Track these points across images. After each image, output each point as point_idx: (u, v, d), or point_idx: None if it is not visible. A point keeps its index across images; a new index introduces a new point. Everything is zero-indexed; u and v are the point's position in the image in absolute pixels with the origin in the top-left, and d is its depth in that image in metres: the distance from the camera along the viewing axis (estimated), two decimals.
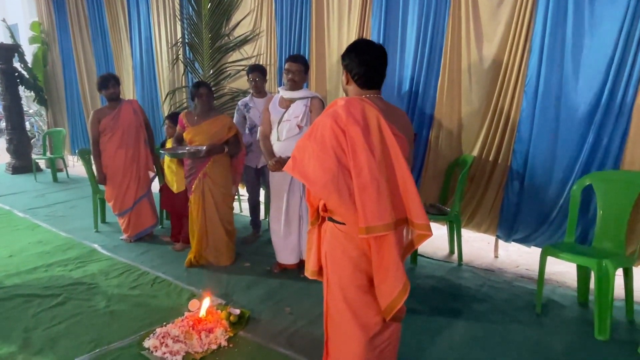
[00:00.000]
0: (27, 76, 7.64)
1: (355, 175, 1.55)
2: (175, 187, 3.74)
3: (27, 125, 8.32)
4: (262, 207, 4.23)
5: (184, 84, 5.47)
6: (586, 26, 2.77)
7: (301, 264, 3.24)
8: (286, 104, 3.08)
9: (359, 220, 1.55)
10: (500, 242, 3.52)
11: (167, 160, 3.77)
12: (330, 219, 1.72)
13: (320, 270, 1.85)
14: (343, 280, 1.70)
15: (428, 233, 1.63)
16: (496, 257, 3.65)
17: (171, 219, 4.02)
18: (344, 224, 1.66)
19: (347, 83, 1.73)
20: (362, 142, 1.55)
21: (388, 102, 1.77)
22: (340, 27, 3.99)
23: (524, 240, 3.27)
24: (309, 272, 1.90)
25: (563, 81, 2.90)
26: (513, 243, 3.38)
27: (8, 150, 7.52)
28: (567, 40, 2.85)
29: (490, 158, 3.27)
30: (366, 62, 1.67)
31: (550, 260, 2.64)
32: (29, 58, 7.73)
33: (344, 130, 1.56)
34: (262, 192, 4.14)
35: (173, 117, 3.83)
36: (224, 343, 2.37)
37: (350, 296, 1.69)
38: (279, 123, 3.06)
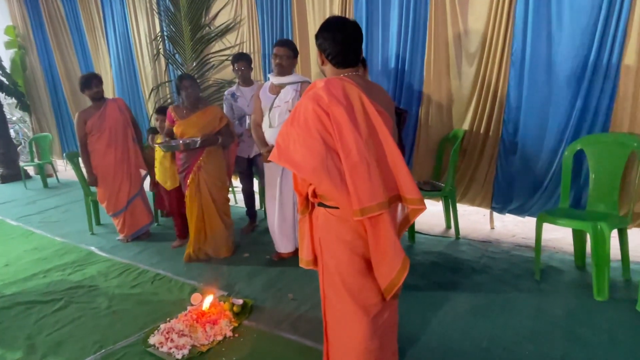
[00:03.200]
0: (7, 82, 7.48)
1: (344, 156, 1.51)
2: (169, 184, 3.69)
3: (12, 132, 8.18)
4: (256, 197, 4.21)
5: (167, 79, 5.39)
6: None
7: (297, 252, 3.23)
8: (276, 90, 3.04)
9: (352, 202, 1.51)
10: (496, 213, 3.54)
11: (158, 157, 3.71)
12: (322, 205, 1.67)
13: (315, 260, 1.80)
14: (340, 265, 1.66)
15: (422, 207, 1.61)
16: (492, 228, 3.68)
17: (174, 218, 3.88)
18: (336, 208, 1.61)
19: (323, 64, 1.68)
20: (347, 122, 1.51)
21: (367, 79, 1.73)
22: (323, 9, 3.93)
23: (518, 211, 3.29)
24: (304, 262, 1.84)
25: (548, 47, 2.90)
26: (507, 214, 3.40)
27: None
28: (550, 4, 2.83)
29: (482, 130, 3.27)
30: (340, 40, 1.61)
31: (546, 227, 2.66)
32: (6, 64, 7.56)
33: (327, 112, 1.51)
34: (255, 182, 4.12)
35: (162, 111, 3.77)
36: (229, 333, 2.38)
37: (348, 280, 1.65)
38: (270, 110, 3.03)
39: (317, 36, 1.66)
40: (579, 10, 2.73)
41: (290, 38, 4.13)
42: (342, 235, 1.64)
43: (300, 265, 1.87)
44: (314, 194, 1.67)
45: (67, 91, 6.99)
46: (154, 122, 4.12)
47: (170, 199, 3.75)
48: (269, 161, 2.93)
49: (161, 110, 3.82)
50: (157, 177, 3.78)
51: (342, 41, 1.61)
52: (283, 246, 3.26)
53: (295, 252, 3.28)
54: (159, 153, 3.69)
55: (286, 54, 2.95)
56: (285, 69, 2.97)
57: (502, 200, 3.33)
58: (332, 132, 1.52)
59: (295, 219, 3.16)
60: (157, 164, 3.78)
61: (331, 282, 1.71)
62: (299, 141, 1.54)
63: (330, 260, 1.69)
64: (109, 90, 6.11)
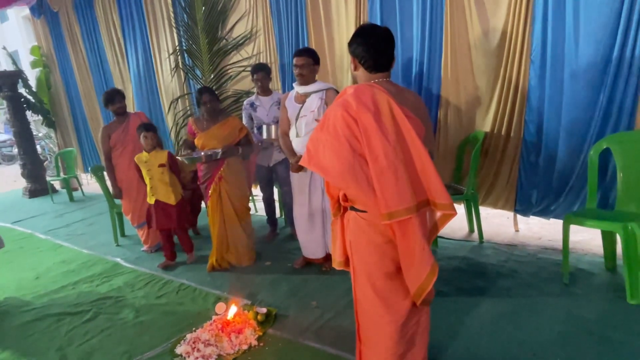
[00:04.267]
0: (33, 100, 7.75)
1: (372, 161, 1.54)
2: (173, 199, 3.49)
3: (38, 148, 8.46)
4: (277, 205, 4.23)
5: (186, 91, 5.49)
6: None
7: (328, 258, 3.23)
8: (302, 99, 3.03)
9: (380, 206, 1.54)
10: (520, 215, 3.47)
11: (157, 174, 3.46)
12: (352, 208, 1.71)
13: (346, 261, 1.84)
14: (370, 268, 1.70)
15: (452, 212, 1.62)
16: (517, 231, 3.61)
17: (162, 239, 3.66)
18: (365, 212, 1.66)
19: (356, 69, 1.73)
20: (375, 128, 1.54)
21: (398, 85, 1.75)
22: (338, 17, 3.95)
23: (543, 213, 3.22)
24: (336, 262, 1.89)
25: (569, 44, 2.84)
26: (532, 216, 3.33)
27: (23, 175, 7.66)
28: (569, 3, 2.78)
29: (503, 132, 3.22)
30: (372, 45, 1.65)
31: (573, 228, 2.60)
32: (32, 82, 7.84)
33: (356, 119, 1.55)
34: (275, 190, 4.14)
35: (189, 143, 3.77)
36: (254, 342, 2.39)
37: (378, 283, 1.69)
38: (296, 119, 3.02)
39: (350, 43, 1.71)
40: (599, 5, 2.67)
41: (307, 46, 4.16)
42: (373, 239, 1.68)
43: (333, 265, 1.91)
44: (345, 198, 1.71)
45: (86, 108, 7.19)
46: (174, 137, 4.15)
47: (175, 214, 3.51)
48: (298, 171, 3.00)
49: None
50: (159, 197, 3.48)
51: (374, 46, 1.65)
52: (311, 252, 3.27)
53: (324, 258, 3.26)
54: (153, 172, 3.46)
55: (306, 62, 2.93)
56: (307, 78, 2.95)
57: (526, 202, 3.26)
58: (360, 138, 1.55)
59: (324, 226, 3.17)
60: (156, 182, 3.48)
61: (361, 285, 1.74)
62: (327, 146, 1.58)
63: (360, 263, 1.72)
64: (130, 104, 6.25)
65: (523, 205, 3.29)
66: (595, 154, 2.69)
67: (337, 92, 3.06)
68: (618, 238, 2.50)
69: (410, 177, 1.57)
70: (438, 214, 1.70)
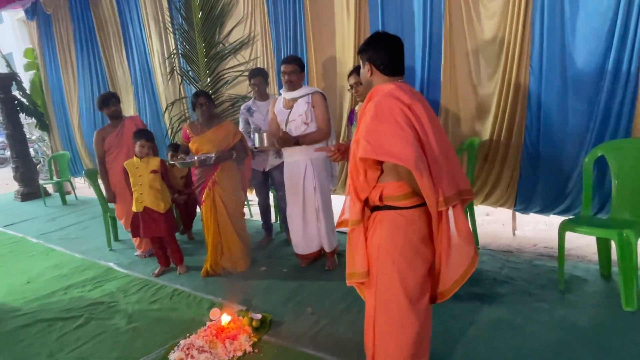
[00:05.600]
0: (27, 103, 7.70)
1: (428, 149, 1.59)
2: (162, 207, 3.43)
3: (31, 151, 8.39)
4: (272, 210, 4.21)
5: (182, 95, 5.47)
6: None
7: (322, 252, 3.37)
8: (289, 104, 3.16)
9: (436, 193, 1.58)
10: (516, 222, 3.49)
11: (148, 181, 3.40)
12: (388, 207, 1.70)
13: (369, 271, 1.77)
14: (403, 268, 1.68)
15: (473, 196, 1.76)
16: (515, 230, 3.64)
17: (154, 246, 3.60)
18: (405, 208, 1.67)
19: (371, 74, 1.76)
20: (426, 117, 1.60)
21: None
22: (339, 25, 3.96)
23: (542, 211, 3.26)
24: (357, 275, 1.76)
25: (567, 54, 2.87)
26: (528, 222, 3.34)
27: (15, 178, 7.58)
28: (566, 8, 2.81)
29: (503, 138, 3.23)
30: (389, 50, 1.72)
31: (568, 235, 2.60)
32: (26, 85, 7.79)
33: (410, 108, 1.60)
34: (271, 195, 4.12)
35: (175, 146, 3.78)
36: (248, 349, 2.36)
37: (409, 283, 1.69)
38: (286, 124, 3.16)
39: (364, 50, 1.76)
40: (595, 15, 2.70)
41: (304, 53, 4.17)
42: (410, 236, 1.69)
43: (350, 281, 1.80)
44: (380, 198, 1.70)
45: (70, 113, 7.15)
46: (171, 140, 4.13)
47: (164, 222, 3.45)
48: (284, 145, 3.09)
49: (174, 147, 3.83)
50: (146, 203, 3.41)
51: (391, 51, 1.73)
52: (305, 247, 3.33)
53: (318, 252, 3.37)
54: (144, 178, 3.41)
55: (294, 69, 3.09)
56: (294, 84, 3.11)
57: (526, 202, 3.28)
58: (417, 127, 1.59)
59: (318, 223, 3.25)
60: (145, 189, 3.40)
61: (388, 288, 1.71)
62: (393, 135, 1.57)
63: (391, 265, 1.70)
64: (131, 108, 6.20)
65: (523, 205, 3.31)
66: (590, 161, 2.71)
67: (323, 94, 3.16)
68: (613, 245, 2.51)
69: (448, 165, 1.65)
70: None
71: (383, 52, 1.72)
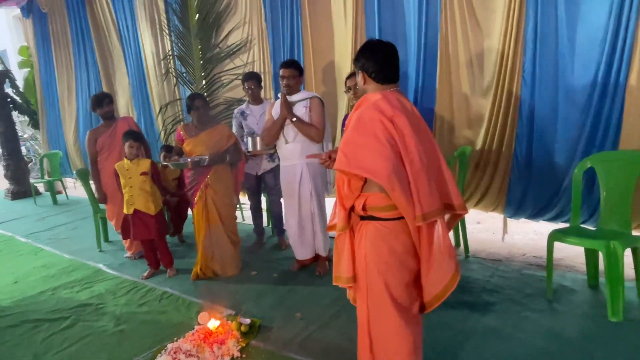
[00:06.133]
0: (20, 101, 7.64)
1: (409, 163, 1.57)
2: (153, 209, 3.39)
3: (23, 150, 8.32)
4: (264, 214, 4.21)
5: (177, 97, 5.46)
6: (580, 9, 2.78)
7: (316, 258, 3.39)
8: None
9: (415, 208, 1.57)
10: (507, 227, 3.52)
11: (138, 182, 3.37)
12: (372, 218, 1.69)
13: (355, 276, 1.79)
14: (389, 279, 1.68)
15: (465, 211, 1.71)
16: (505, 234, 3.68)
17: (144, 248, 3.57)
18: (388, 220, 1.66)
19: (365, 83, 1.75)
20: (410, 130, 1.58)
21: (405, 96, 1.81)
22: (335, 29, 3.99)
23: (532, 217, 3.31)
24: (343, 279, 1.80)
25: (559, 64, 2.92)
26: (518, 232, 3.38)
27: (6, 176, 7.51)
28: (559, 25, 2.86)
29: (495, 146, 3.27)
30: (381, 58, 1.71)
31: (557, 245, 2.63)
32: (20, 83, 7.74)
33: (392, 121, 1.58)
34: (263, 199, 4.12)
35: (168, 149, 3.77)
36: (236, 354, 2.35)
37: (397, 294, 1.68)
38: (283, 127, 3.15)
39: (357, 58, 1.75)
40: (587, 30, 2.76)
41: (301, 58, 4.18)
42: (394, 248, 1.68)
43: (336, 283, 1.84)
44: (364, 207, 1.69)
45: (62, 113, 7.10)
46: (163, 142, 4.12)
47: (155, 224, 3.41)
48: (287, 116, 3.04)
49: (167, 149, 3.81)
50: (137, 206, 3.38)
51: (384, 59, 1.72)
52: (303, 253, 3.35)
53: (313, 259, 3.38)
54: (134, 180, 3.37)
55: (292, 74, 3.10)
56: (292, 88, 3.12)
57: (516, 208, 3.31)
58: (398, 140, 1.58)
59: (313, 228, 3.26)
60: (137, 190, 3.37)
61: (379, 299, 1.70)
62: (369, 148, 1.58)
63: (378, 276, 1.69)
64: (130, 108, 6.16)
65: (512, 211, 3.34)
66: (580, 172, 2.74)
67: (321, 99, 3.17)
68: (601, 255, 2.54)
69: (436, 180, 1.64)
70: (447, 216, 1.74)
71: (375, 60, 1.71)
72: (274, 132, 3.17)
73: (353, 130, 1.63)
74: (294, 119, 3.05)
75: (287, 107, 3.05)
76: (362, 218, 1.73)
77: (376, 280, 1.69)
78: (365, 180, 1.67)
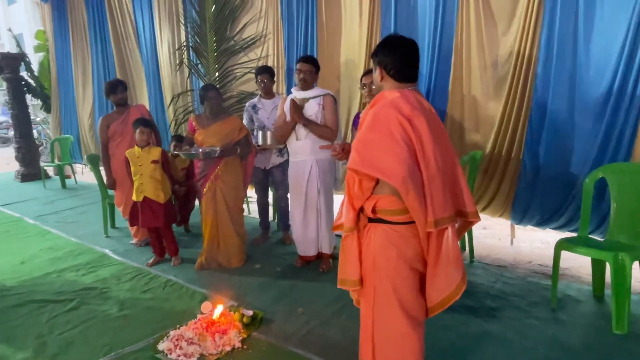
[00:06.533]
0: (34, 84, 7.72)
1: (424, 166, 1.50)
2: (162, 197, 3.42)
3: (35, 133, 8.40)
4: (270, 208, 4.22)
5: (189, 88, 5.48)
6: (596, 18, 2.75)
7: (320, 256, 3.37)
8: (301, 103, 3.13)
9: (427, 213, 1.50)
10: (514, 233, 3.50)
11: (148, 170, 3.40)
12: (381, 221, 1.63)
13: (361, 280, 1.72)
14: (398, 283, 1.63)
15: (478, 219, 1.66)
16: (513, 238, 3.67)
17: (151, 235, 3.60)
18: (398, 224, 1.60)
19: (382, 79, 1.68)
20: (427, 132, 1.51)
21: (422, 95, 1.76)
22: (351, 26, 3.98)
23: (539, 225, 3.28)
24: (349, 282, 1.73)
25: (574, 74, 2.89)
26: (525, 239, 3.35)
27: (17, 158, 7.59)
28: (577, 32, 2.83)
29: (504, 151, 3.25)
30: (402, 55, 1.64)
31: (564, 255, 2.61)
32: (35, 67, 7.81)
33: (410, 121, 1.51)
34: (270, 194, 4.13)
35: (179, 137, 3.78)
36: (237, 344, 2.36)
37: (405, 298, 1.63)
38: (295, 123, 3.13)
39: (376, 53, 1.68)
40: (605, 40, 2.73)
41: (314, 54, 4.18)
42: (403, 252, 1.62)
43: (341, 286, 1.77)
44: (374, 209, 1.62)
45: (77, 98, 7.15)
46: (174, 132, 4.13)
47: (162, 212, 3.44)
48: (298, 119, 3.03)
49: (178, 138, 3.83)
50: (146, 193, 3.40)
51: (403, 56, 1.64)
52: (306, 250, 3.34)
53: (316, 257, 3.36)
54: (145, 168, 3.40)
55: (309, 69, 3.09)
56: (308, 84, 3.11)
57: (522, 215, 3.29)
58: (415, 142, 1.51)
59: (317, 225, 3.25)
60: (146, 178, 3.40)
61: (386, 303, 1.65)
62: (384, 149, 1.51)
63: (386, 279, 1.63)
64: (144, 97, 6.19)
65: (520, 217, 3.32)
66: (591, 182, 2.72)
67: (334, 97, 3.16)
68: (608, 267, 2.52)
69: (449, 185, 1.58)
70: (458, 222, 1.69)
71: (394, 56, 1.63)
72: (285, 131, 3.17)
73: (368, 129, 1.55)
74: (306, 123, 3.04)
75: (298, 112, 3.03)
76: (371, 220, 1.67)
77: (384, 285, 1.64)
78: (377, 182, 1.60)
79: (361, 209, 1.69)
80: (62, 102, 7.53)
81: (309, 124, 3.05)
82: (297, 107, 3.04)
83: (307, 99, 3.10)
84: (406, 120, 1.51)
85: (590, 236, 2.81)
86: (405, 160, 1.48)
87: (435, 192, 1.51)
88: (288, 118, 3.16)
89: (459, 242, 3.59)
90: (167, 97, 5.75)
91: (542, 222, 3.25)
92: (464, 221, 1.69)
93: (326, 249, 3.30)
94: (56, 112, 7.68)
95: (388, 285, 1.63)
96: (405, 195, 1.50)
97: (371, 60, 1.73)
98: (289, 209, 3.42)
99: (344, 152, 2.08)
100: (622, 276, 2.33)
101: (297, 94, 3.15)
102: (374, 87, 1.75)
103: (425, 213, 1.52)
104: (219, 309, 2.58)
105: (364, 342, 1.75)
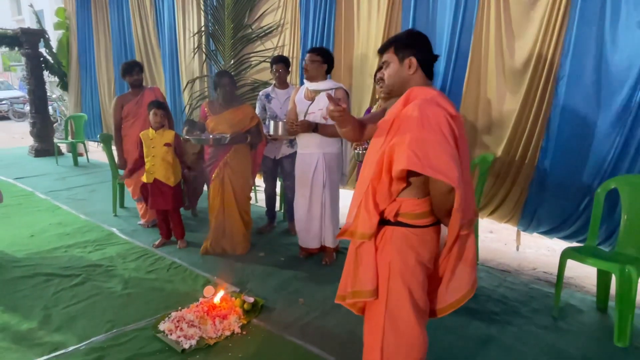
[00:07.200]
0: (52, 61, 7.79)
1: (463, 168, 1.48)
2: (172, 180, 3.47)
3: (50, 109, 8.50)
4: (278, 198, 4.24)
5: (206, 73, 5.50)
6: (622, 25, 2.69)
7: (322, 249, 3.39)
8: (311, 96, 3.12)
9: (460, 214, 1.46)
10: (520, 240, 3.48)
11: (161, 153, 3.43)
12: (401, 224, 1.58)
13: (377, 289, 1.62)
14: (413, 287, 1.59)
15: (477, 217, 1.70)
16: (518, 245, 3.65)
17: (158, 217, 3.65)
18: (419, 227, 1.57)
19: (414, 72, 1.60)
20: (463, 133, 1.52)
21: None
22: (368, 21, 3.95)
23: (546, 233, 3.26)
24: (365, 293, 1.61)
25: (596, 81, 2.83)
26: (531, 246, 3.33)
27: (31, 133, 7.70)
28: (603, 39, 2.77)
29: (517, 156, 3.21)
30: (431, 52, 1.62)
31: (569, 264, 2.59)
32: (54, 44, 7.88)
33: (455, 120, 1.49)
34: (278, 184, 4.14)
35: (192, 122, 3.78)
36: (237, 330, 2.39)
37: (421, 304, 1.61)
38: (305, 115, 3.12)
39: (409, 44, 1.61)
40: (629, 50, 2.67)
41: (331, 47, 4.16)
42: (422, 255, 1.59)
43: (355, 299, 1.66)
44: (397, 213, 1.56)
45: (99, 77, 7.20)
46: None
47: (171, 195, 3.49)
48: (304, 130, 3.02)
49: (191, 123, 3.84)
50: (157, 175, 3.44)
51: (431, 54, 1.63)
52: (308, 242, 3.35)
53: (318, 249, 3.38)
54: (158, 150, 3.43)
55: (313, 59, 3.04)
56: (311, 74, 3.07)
57: (531, 222, 3.27)
58: (458, 142, 1.48)
59: (322, 219, 3.25)
60: (159, 161, 3.44)
61: (400, 308, 1.60)
62: (438, 148, 1.43)
63: (402, 284, 1.58)
64: (161, 79, 6.22)
65: (527, 224, 3.29)
66: (603, 192, 2.68)
67: (346, 91, 3.13)
68: (613, 279, 2.49)
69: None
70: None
71: (428, 50, 1.60)
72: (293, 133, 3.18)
73: (420, 127, 1.46)
74: (314, 130, 3.03)
75: (303, 127, 3.01)
76: (385, 223, 1.60)
77: (399, 289, 1.59)
78: (408, 184, 1.54)
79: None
80: (82, 81, 7.59)
81: (317, 129, 3.04)
82: (304, 126, 3.02)
83: (318, 91, 3.08)
84: (452, 119, 1.48)
85: (597, 247, 2.78)
86: (457, 159, 1.44)
87: (466, 193, 1.48)
88: (299, 108, 3.15)
89: None
90: (184, 82, 5.78)
91: (549, 231, 3.22)
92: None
93: (329, 243, 3.31)
94: (76, 91, 7.74)
95: (403, 290, 1.58)
96: (458, 195, 1.44)
97: (394, 52, 1.62)
98: (294, 201, 3.42)
99: (345, 112, 1.85)
100: (627, 289, 2.31)
101: (308, 85, 3.12)
102: (389, 77, 1.62)
103: (458, 214, 1.48)
104: (220, 294, 2.60)
105: (371, 349, 1.68)
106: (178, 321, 2.39)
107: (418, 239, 1.58)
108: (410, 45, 1.61)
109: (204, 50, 5.35)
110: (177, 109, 5.80)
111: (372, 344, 1.66)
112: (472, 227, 1.58)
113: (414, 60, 1.59)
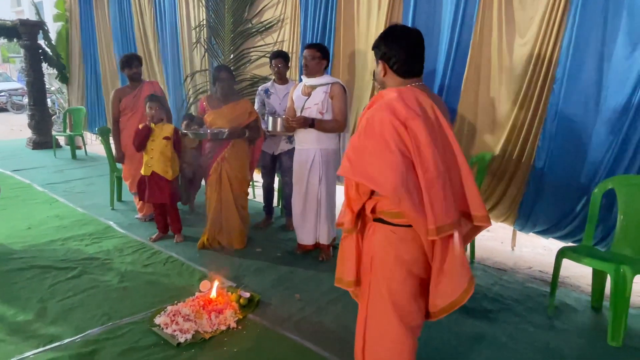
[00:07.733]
0: (51, 53, 7.76)
1: (422, 172, 1.43)
2: (170, 174, 3.48)
3: (49, 102, 8.48)
4: (275, 194, 4.24)
5: (206, 67, 5.47)
6: (622, 26, 2.68)
7: (318, 246, 3.38)
8: (307, 91, 3.14)
9: (427, 221, 1.44)
10: (516, 239, 3.48)
11: (160, 147, 3.43)
12: (381, 221, 1.58)
13: (358, 280, 1.69)
14: (393, 286, 1.59)
15: (488, 224, 1.57)
16: (512, 250, 3.65)
17: (155, 211, 3.67)
18: (398, 226, 1.55)
19: (385, 75, 1.59)
20: (426, 136, 1.42)
21: (431, 90, 1.68)
22: (369, 16, 3.93)
23: (542, 233, 3.26)
24: (344, 282, 1.71)
25: (595, 82, 2.83)
26: (527, 245, 3.34)
27: (29, 125, 7.68)
28: (603, 40, 2.76)
29: (515, 155, 3.21)
30: (406, 47, 1.54)
31: (565, 263, 2.59)
32: (53, 36, 7.84)
33: (405, 124, 1.42)
34: (276, 179, 4.14)
35: (191, 117, 3.79)
36: (233, 324, 2.40)
37: (400, 302, 1.59)
38: (301, 110, 3.13)
39: (377, 45, 1.59)
40: (629, 51, 2.66)
41: (331, 43, 4.14)
42: (402, 255, 1.57)
43: (338, 285, 1.76)
44: (373, 209, 1.57)
45: (102, 69, 7.17)
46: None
47: (169, 189, 3.49)
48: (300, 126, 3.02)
49: (190, 117, 3.85)
50: (155, 169, 3.44)
51: (409, 49, 1.55)
52: (304, 238, 3.36)
53: (313, 246, 3.37)
54: (156, 144, 3.43)
55: (311, 54, 3.04)
56: (310, 69, 3.07)
57: (527, 222, 3.27)
58: (410, 146, 1.43)
59: (317, 216, 3.25)
60: (157, 154, 3.43)
61: (379, 304, 1.62)
62: (375, 155, 1.44)
63: (382, 281, 1.60)
64: (157, 72, 6.19)
65: (523, 223, 3.30)
66: (599, 192, 2.69)
67: (343, 86, 3.13)
68: (608, 279, 2.50)
69: (453, 188, 1.49)
70: (468, 225, 1.61)
71: (398, 49, 1.54)
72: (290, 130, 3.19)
73: (361, 134, 1.48)
74: (311, 126, 3.03)
75: (299, 123, 3.02)
76: (374, 220, 1.63)
77: (380, 285, 1.60)
78: None
79: (362, 208, 1.65)
80: (86, 74, 7.54)
81: (314, 125, 3.03)
82: (299, 120, 3.02)
83: (315, 86, 3.08)
84: (401, 125, 1.43)
85: (593, 247, 2.79)
86: (397, 168, 1.41)
87: (435, 198, 1.43)
88: (296, 104, 3.16)
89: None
90: (184, 75, 5.75)
91: (545, 231, 3.22)
92: (473, 226, 1.61)
93: (324, 240, 3.30)
94: (79, 83, 7.70)
95: (383, 287, 1.60)
96: (398, 204, 1.44)
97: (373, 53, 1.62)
98: (291, 197, 3.43)
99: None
100: (622, 288, 2.32)
101: (305, 80, 3.13)
102: (376, 83, 1.65)
103: (424, 221, 1.45)
104: (216, 285, 2.61)
105: (358, 337, 1.73)
106: (174, 315, 2.40)
107: (397, 237, 1.57)
108: (378, 45, 1.60)
109: (203, 44, 5.32)
110: (178, 103, 5.78)
111: (359, 331, 1.72)
112: (452, 230, 1.48)
113: (381, 62, 1.59)
